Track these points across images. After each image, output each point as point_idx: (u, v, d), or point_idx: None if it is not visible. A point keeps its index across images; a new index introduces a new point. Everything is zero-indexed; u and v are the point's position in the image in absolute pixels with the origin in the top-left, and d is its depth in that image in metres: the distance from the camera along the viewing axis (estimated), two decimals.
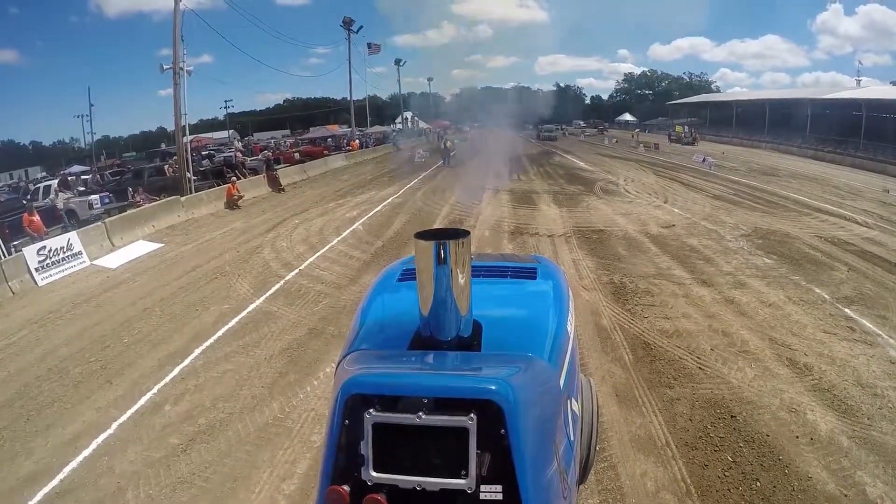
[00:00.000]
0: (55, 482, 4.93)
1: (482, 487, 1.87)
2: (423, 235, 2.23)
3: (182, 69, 20.90)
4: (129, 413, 6.01)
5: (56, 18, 71.28)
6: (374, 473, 1.89)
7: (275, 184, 23.68)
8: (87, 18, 76.38)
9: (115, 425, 5.77)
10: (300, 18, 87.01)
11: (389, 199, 19.40)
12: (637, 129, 62.46)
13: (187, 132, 22.19)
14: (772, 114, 48.71)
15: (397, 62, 66.97)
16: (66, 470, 5.09)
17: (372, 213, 17.00)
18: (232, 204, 19.62)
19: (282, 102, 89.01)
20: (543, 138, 47.84)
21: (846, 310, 8.11)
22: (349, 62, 46.87)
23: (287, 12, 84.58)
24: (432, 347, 2.35)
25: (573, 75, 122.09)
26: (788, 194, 19.61)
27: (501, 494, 1.88)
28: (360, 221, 15.68)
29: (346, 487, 1.90)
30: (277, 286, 10.04)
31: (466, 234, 2.27)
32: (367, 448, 1.89)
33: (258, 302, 9.25)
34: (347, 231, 14.43)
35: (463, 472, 1.85)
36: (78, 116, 58.29)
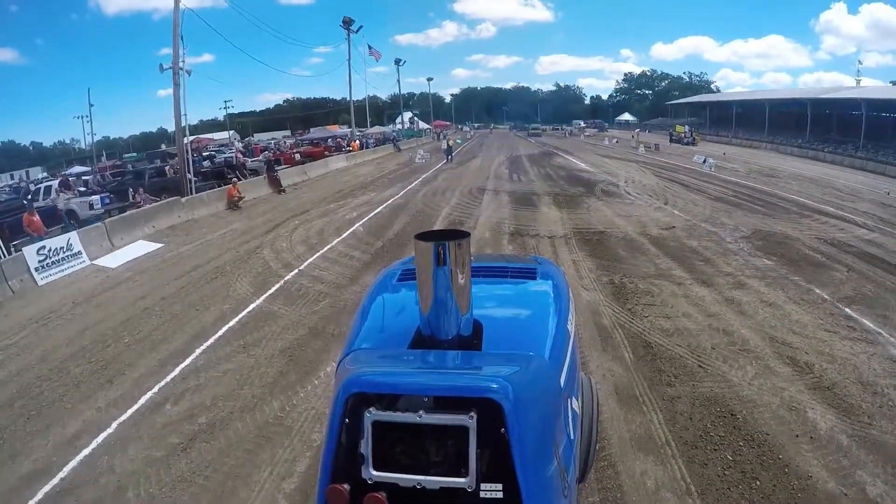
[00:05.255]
0: (56, 481, 4.93)
1: (482, 486, 1.88)
2: (423, 237, 2.24)
3: (182, 69, 20.92)
4: (129, 412, 6.00)
5: (56, 18, 71.54)
6: (374, 472, 1.89)
7: (275, 185, 23.71)
8: (87, 17, 76.77)
9: (115, 424, 5.77)
10: (300, 18, 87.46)
11: (390, 201, 19.40)
12: (637, 130, 62.66)
13: (187, 133, 22.20)
14: (772, 114, 48.92)
15: (397, 62, 67.20)
16: (67, 469, 5.09)
17: (372, 214, 17.00)
18: (232, 205, 19.64)
19: (281, 103, 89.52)
20: (532, 134, 69.32)
21: (846, 309, 8.11)
22: (349, 63, 46.92)
23: (287, 12, 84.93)
24: (433, 347, 2.35)
25: (574, 75, 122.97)
26: (788, 196, 19.64)
27: (502, 493, 1.88)
28: (361, 223, 15.67)
29: (346, 486, 1.91)
30: (277, 286, 10.04)
31: (466, 235, 2.28)
32: (367, 447, 1.90)
33: (258, 302, 9.25)
34: (347, 232, 14.43)
35: (463, 471, 1.85)
36: (78, 117, 58.64)
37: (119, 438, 5.53)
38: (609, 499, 4.35)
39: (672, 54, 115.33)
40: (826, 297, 8.65)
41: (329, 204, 19.57)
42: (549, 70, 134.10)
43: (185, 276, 11.22)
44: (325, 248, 12.66)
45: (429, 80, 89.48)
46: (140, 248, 14.14)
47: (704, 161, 29.64)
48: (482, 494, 1.88)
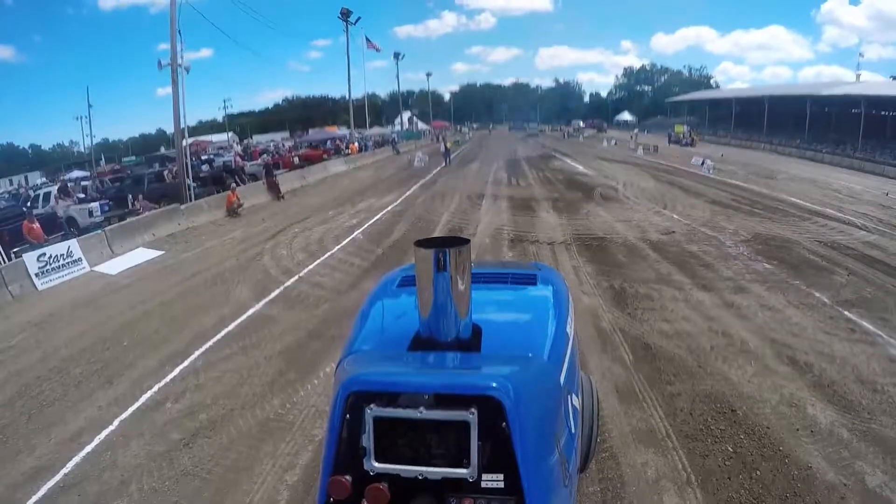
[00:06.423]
0: (59, 477, 4.96)
1: (483, 476, 1.90)
2: (423, 243, 2.26)
3: (180, 66, 20.81)
4: (130, 410, 6.03)
5: (51, 13, 71.38)
6: (376, 463, 1.91)
7: (274, 190, 23.66)
8: (83, 11, 76.76)
9: (116, 422, 5.80)
10: (298, 11, 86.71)
11: (389, 207, 19.41)
12: (636, 130, 62.34)
13: (186, 134, 22.13)
14: (770, 112, 48.55)
15: (396, 56, 65.56)
16: (70, 465, 5.11)
17: (371, 221, 16.97)
18: (232, 212, 19.63)
19: (280, 102, 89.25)
20: (529, 133, 72.12)
21: (846, 312, 8.10)
22: (347, 55, 46.11)
23: (285, 5, 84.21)
24: (431, 349, 2.36)
25: (574, 69, 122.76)
26: (788, 198, 19.66)
27: (503, 483, 1.90)
28: (360, 230, 15.60)
29: (348, 477, 1.92)
30: (277, 292, 10.05)
31: (466, 242, 2.30)
32: (368, 440, 1.92)
33: (258, 306, 9.26)
34: (347, 240, 14.38)
35: (465, 461, 1.87)
36: (77, 118, 58.78)
37: (121, 435, 5.57)
38: (610, 488, 4.40)
39: (673, 45, 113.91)
40: (826, 300, 8.65)
41: (328, 211, 19.54)
42: (549, 64, 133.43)
43: (185, 282, 11.24)
44: (325, 256, 12.65)
45: (428, 75, 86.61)
46: (140, 255, 14.17)
47: (703, 163, 29.60)
48: (483, 485, 1.90)
